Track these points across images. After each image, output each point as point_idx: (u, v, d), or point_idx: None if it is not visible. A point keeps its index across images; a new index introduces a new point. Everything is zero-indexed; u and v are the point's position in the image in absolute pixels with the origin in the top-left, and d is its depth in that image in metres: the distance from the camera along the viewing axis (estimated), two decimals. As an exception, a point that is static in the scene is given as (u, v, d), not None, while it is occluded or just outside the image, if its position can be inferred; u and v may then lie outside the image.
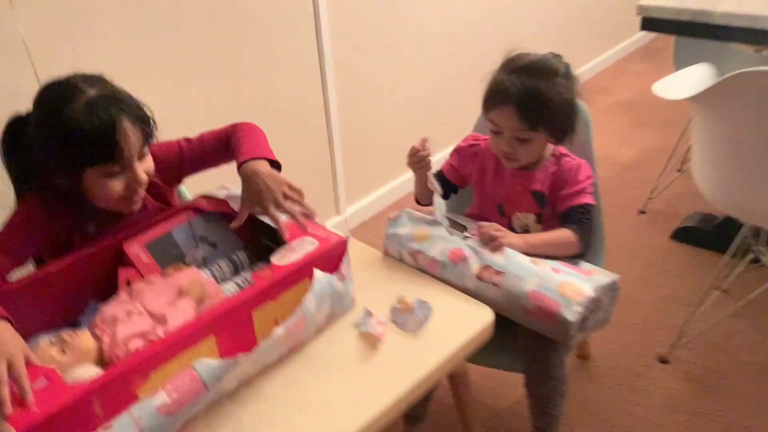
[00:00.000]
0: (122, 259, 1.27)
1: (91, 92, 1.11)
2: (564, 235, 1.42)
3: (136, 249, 1.28)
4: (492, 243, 1.34)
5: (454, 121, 3.02)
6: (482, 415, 1.86)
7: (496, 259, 1.31)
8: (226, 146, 1.33)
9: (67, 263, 1.21)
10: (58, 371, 0.95)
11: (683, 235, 2.53)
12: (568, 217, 1.44)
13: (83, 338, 1.07)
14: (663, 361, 1.99)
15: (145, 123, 1.17)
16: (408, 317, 1.22)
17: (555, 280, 1.27)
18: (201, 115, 2.03)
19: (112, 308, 1.14)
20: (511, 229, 1.49)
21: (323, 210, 2.72)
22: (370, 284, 1.33)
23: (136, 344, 1.07)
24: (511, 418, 1.84)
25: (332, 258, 1.21)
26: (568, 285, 1.26)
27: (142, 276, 1.24)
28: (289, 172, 2.15)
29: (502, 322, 1.26)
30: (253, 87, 2.19)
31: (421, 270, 1.37)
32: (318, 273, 1.17)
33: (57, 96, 1.12)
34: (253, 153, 1.25)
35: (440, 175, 1.61)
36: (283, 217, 1.21)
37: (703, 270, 2.31)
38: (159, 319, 1.11)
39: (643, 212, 2.73)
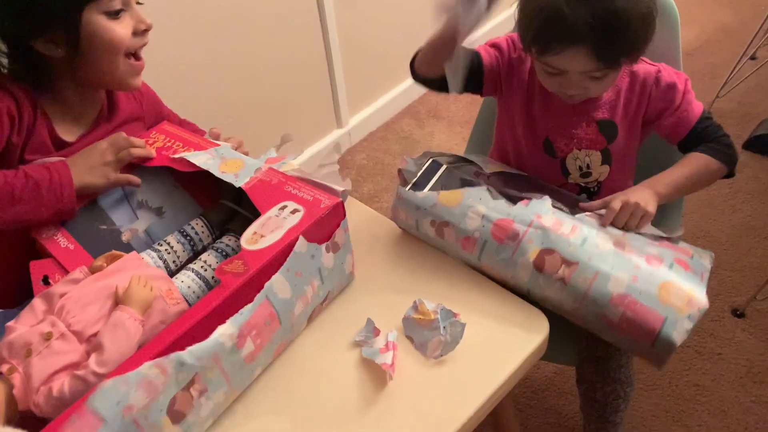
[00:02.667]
0: (33, 247, 0.93)
1: None
2: (702, 162, 1.05)
3: (50, 230, 0.93)
4: (631, 218, 0.97)
5: None
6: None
7: (570, 239, 0.92)
8: None
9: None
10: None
11: (760, 144, 2.05)
12: (697, 139, 1.08)
13: (-18, 386, 0.75)
14: (738, 314, 1.63)
15: None
16: (428, 334, 0.88)
17: (653, 278, 0.90)
18: (181, 20, 1.73)
19: (22, 328, 0.81)
20: (564, 174, 1.14)
21: (323, 123, 2.36)
22: (373, 273, 1.00)
23: (62, 384, 0.75)
24: (553, 415, 1.54)
25: (324, 230, 0.89)
26: (673, 288, 0.90)
27: (65, 270, 0.90)
28: (281, 81, 1.91)
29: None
30: None
31: (446, 251, 1.02)
32: (300, 242, 0.84)
33: None
34: None
35: (472, 58, 1.14)
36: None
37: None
38: (91, 343, 0.79)
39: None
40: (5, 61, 0.99)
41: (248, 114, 2.04)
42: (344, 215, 0.91)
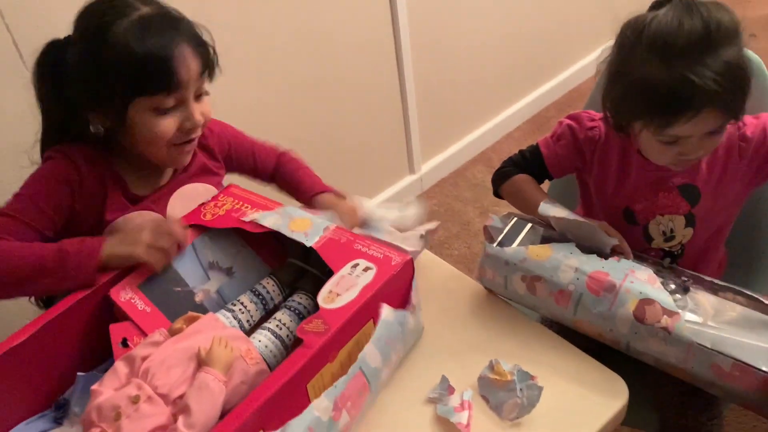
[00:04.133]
0: (112, 311, 0.96)
1: (145, 9, 0.95)
2: None
3: (127, 293, 0.96)
4: None
5: (538, 63, 2.71)
6: None
7: (669, 285, 0.91)
8: (274, 172, 1.26)
9: (39, 325, 0.89)
10: None
11: None
12: None
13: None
14: None
15: (205, 51, 1.01)
16: (505, 396, 0.88)
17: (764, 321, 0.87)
18: (260, 65, 1.80)
19: (108, 392, 0.82)
20: (646, 239, 1.14)
21: (396, 169, 2.38)
22: (446, 329, 1.00)
23: (152, 447, 0.76)
24: None
25: (398, 287, 0.90)
26: None
27: (143, 333, 0.92)
28: (356, 127, 1.99)
29: (632, 360, 0.94)
30: (316, 30, 1.89)
31: (537, 308, 1.02)
32: (386, 310, 0.86)
33: (103, 12, 0.95)
34: (325, 188, 1.22)
35: (533, 159, 1.19)
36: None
37: None
38: (177, 405, 0.80)
39: None
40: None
41: (323, 159, 2.06)
42: (413, 273, 0.92)
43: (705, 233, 1.13)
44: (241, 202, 1.06)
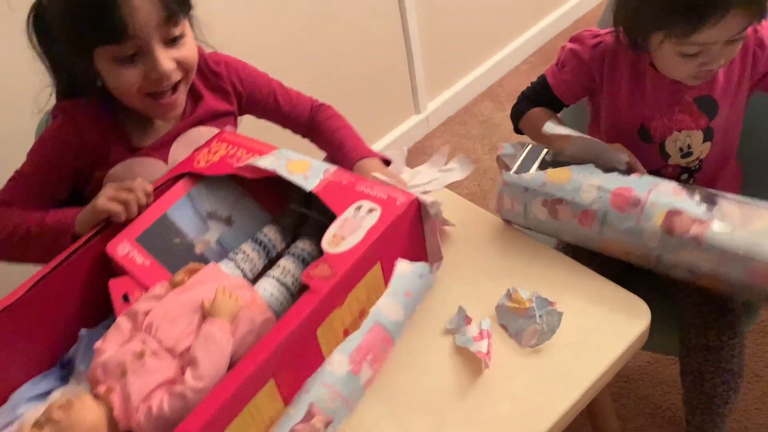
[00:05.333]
0: (110, 266, 0.93)
1: None
2: None
3: (125, 248, 0.93)
4: None
5: None
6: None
7: (695, 201, 0.87)
8: (311, 124, 1.18)
9: (33, 282, 0.87)
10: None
11: None
12: None
13: (83, 409, 0.74)
14: None
15: None
16: (524, 323, 0.86)
17: None
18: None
19: (112, 348, 0.80)
20: (663, 156, 1.10)
21: (400, 109, 2.30)
22: (462, 260, 0.97)
23: (161, 401, 0.74)
24: (648, 405, 1.47)
25: (404, 228, 0.87)
26: None
27: (144, 287, 0.89)
28: (359, 67, 1.94)
29: (652, 285, 0.93)
30: None
31: (560, 234, 0.98)
32: (402, 265, 0.84)
33: None
34: (370, 151, 1.10)
35: (542, 91, 1.15)
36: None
37: None
38: (184, 358, 0.78)
39: None
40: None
41: (324, 101, 2.05)
42: (420, 212, 0.89)
43: (722, 146, 1.09)
44: (235, 148, 1.02)
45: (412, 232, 0.90)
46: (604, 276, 0.93)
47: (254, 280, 0.92)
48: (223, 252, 0.97)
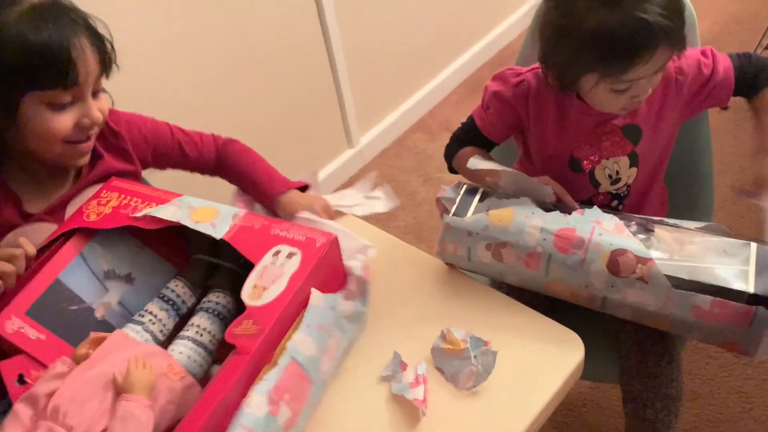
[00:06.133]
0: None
1: None
2: None
3: (14, 324, 0.82)
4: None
5: (467, 24, 2.64)
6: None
7: (637, 239, 0.88)
8: (219, 163, 1.13)
9: None
10: None
11: None
12: (744, 80, 1.04)
13: None
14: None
15: (103, 45, 0.92)
16: (459, 365, 0.84)
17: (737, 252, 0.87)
18: (182, 50, 1.65)
19: (13, 443, 0.71)
20: (594, 185, 1.12)
21: (334, 144, 2.27)
22: (396, 302, 0.94)
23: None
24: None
25: (329, 269, 0.84)
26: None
27: (42, 365, 0.80)
28: (288, 106, 1.92)
29: (588, 315, 0.93)
30: (234, 12, 1.73)
31: (505, 276, 0.97)
32: (314, 295, 0.80)
33: None
34: (286, 184, 1.08)
35: (472, 132, 1.14)
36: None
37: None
38: (101, 444, 0.70)
39: (725, 108, 2.11)
40: None
41: (255, 144, 1.96)
42: (339, 251, 0.86)
43: (647, 170, 1.13)
44: (129, 197, 0.94)
45: (337, 272, 0.86)
46: (538, 307, 0.93)
47: (167, 343, 0.85)
48: (128, 314, 0.88)
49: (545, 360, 0.86)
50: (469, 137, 1.15)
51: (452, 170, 1.18)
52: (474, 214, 0.96)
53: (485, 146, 1.15)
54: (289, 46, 1.93)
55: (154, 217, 0.89)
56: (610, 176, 1.11)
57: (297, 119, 2.06)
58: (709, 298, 0.84)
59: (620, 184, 1.12)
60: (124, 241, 0.93)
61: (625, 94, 0.97)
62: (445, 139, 1.17)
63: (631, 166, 1.10)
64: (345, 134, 2.28)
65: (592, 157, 1.09)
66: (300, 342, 0.76)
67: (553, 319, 0.91)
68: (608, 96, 0.99)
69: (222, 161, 1.13)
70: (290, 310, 0.77)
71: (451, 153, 1.16)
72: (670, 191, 1.22)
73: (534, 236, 0.91)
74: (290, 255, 0.82)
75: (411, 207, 2.18)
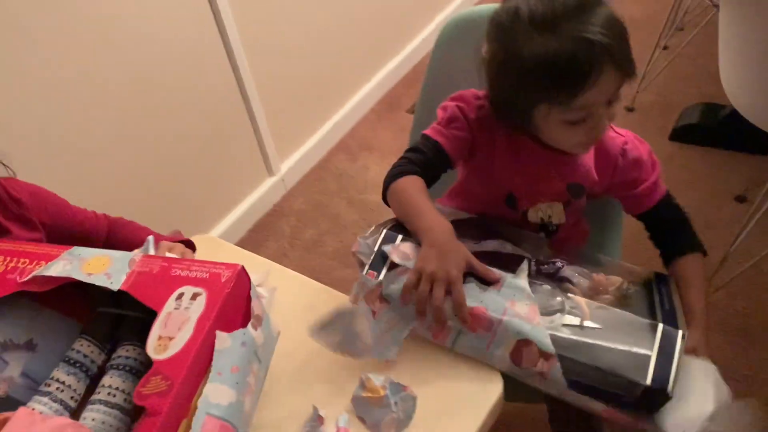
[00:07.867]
0: None
1: None
2: (699, 266, 1.05)
3: None
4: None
5: (379, 42, 2.63)
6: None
7: (546, 326, 0.85)
8: (108, 238, 1.12)
9: None
10: None
11: (684, 133, 2.03)
12: (657, 214, 1.08)
13: None
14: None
15: None
16: (380, 413, 0.81)
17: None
18: (84, 90, 1.59)
19: None
20: (524, 221, 1.10)
21: (253, 174, 2.22)
22: (312, 350, 0.89)
23: None
24: None
25: (238, 304, 0.79)
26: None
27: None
28: (202, 141, 1.95)
29: None
30: (134, 45, 1.67)
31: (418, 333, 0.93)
32: (219, 338, 0.75)
33: None
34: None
35: (429, 149, 1.06)
36: None
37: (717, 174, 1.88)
38: None
39: (631, 109, 2.22)
40: None
41: (174, 182, 1.90)
42: (249, 281, 0.81)
43: (578, 214, 1.14)
44: (14, 259, 0.86)
45: (249, 302, 0.81)
46: None
47: (79, 410, 0.79)
48: (34, 385, 0.82)
49: (465, 397, 0.85)
50: (425, 157, 1.06)
51: (385, 199, 1.07)
52: (387, 275, 0.90)
53: (439, 168, 1.08)
54: (195, 77, 1.87)
55: (46, 277, 0.83)
56: (542, 218, 1.11)
57: (212, 152, 2.02)
58: (602, 405, 0.83)
59: (551, 224, 1.12)
60: (19, 306, 0.86)
61: (580, 128, 0.95)
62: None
63: (564, 210, 1.10)
64: (264, 163, 2.25)
65: (529, 198, 1.08)
66: (213, 393, 0.71)
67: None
68: (563, 129, 0.97)
69: (113, 234, 1.14)
70: (202, 357, 0.72)
71: (393, 176, 1.05)
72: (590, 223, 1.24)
73: (447, 310, 0.87)
74: (195, 296, 0.76)
75: (337, 231, 2.18)
